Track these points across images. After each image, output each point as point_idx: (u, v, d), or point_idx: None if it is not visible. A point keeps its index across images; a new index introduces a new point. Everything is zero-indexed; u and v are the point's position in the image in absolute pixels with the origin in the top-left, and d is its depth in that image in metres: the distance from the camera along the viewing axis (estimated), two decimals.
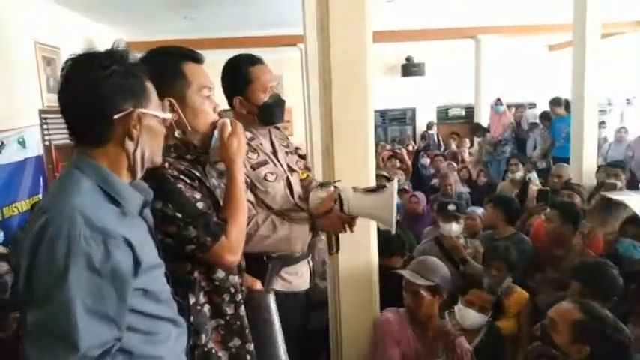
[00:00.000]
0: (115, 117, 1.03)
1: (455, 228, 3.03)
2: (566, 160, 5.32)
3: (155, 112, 1.11)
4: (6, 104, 4.49)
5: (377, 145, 8.87)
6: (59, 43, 5.42)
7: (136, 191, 1.11)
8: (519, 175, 4.83)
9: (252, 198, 1.82)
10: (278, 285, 1.91)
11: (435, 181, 5.90)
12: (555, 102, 6.49)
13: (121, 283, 0.99)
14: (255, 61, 1.89)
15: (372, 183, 2.17)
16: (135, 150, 1.07)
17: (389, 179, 5.19)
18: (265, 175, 1.88)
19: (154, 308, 1.12)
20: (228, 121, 1.41)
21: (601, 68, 4.94)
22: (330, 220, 1.80)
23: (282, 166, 1.96)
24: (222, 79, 1.90)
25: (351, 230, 1.84)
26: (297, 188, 2.00)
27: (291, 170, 2.00)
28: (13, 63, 4.72)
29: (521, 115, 7.50)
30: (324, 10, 1.96)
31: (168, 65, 1.34)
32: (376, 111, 11.13)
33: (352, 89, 2.03)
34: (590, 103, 4.99)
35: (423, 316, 2.13)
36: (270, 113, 1.89)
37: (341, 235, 1.98)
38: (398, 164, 6.21)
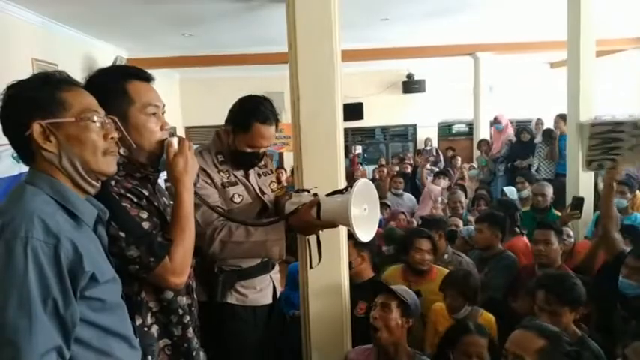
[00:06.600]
0: (26, 134, 1.04)
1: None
2: None
3: (62, 119, 1.05)
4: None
5: (377, 161, 8.88)
6: (57, 59, 5.48)
7: (90, 204, 1.11)
8: (526, 193, 4.74)
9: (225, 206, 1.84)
10: (233, 299, 1.93)
11: None
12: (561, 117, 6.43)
13: (68, 289, 0.98)
14: (266, 119, 1.91)
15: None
16: (60, 161, 1.07)
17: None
18: (232, 196, 1.91)
19: (109, 322, 1.10)
20: (174, 140, 1.38)
21: (601, 85, 4.86)
22: (299, 218, 1.70)
23: (253, 187, 1.99)
24: (233, 106, 1.97)
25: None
26: (269, 209, 2.03)
27: (262, 192, 2.03)
28: (10, 79, 4.73)
29: (520, 133, 7.40)
30: (291, 28, 1.95)
31: (109, 84, 1.32)
32: (377, 127, 11.19)
33: (320, 109, 2.00)
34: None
35: (391, 343, 2.07)
36: (240, 161, 1.97)
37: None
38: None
